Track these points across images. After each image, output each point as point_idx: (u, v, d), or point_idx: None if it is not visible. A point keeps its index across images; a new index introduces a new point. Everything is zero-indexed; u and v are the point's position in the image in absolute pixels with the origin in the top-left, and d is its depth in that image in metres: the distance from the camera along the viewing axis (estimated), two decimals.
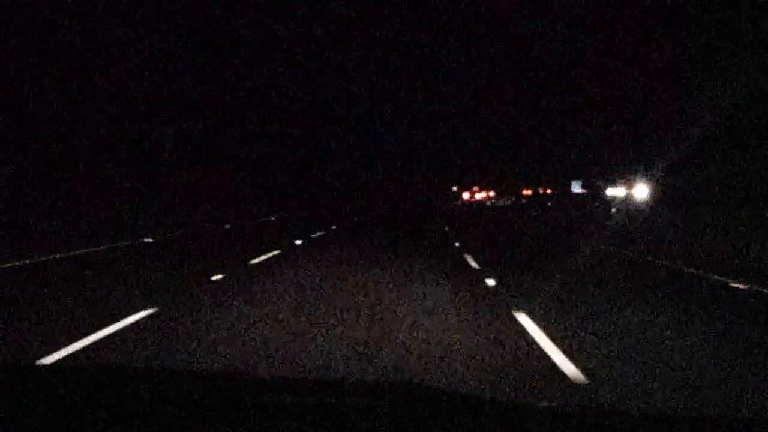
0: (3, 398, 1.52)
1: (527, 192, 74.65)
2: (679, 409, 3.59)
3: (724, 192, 21.91)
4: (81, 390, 1.59)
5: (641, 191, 33.76)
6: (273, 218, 32.79)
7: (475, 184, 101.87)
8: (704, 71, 25.59)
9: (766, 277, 10.23)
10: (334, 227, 24.79)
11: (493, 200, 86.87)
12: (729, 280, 9.97)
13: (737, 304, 8.22)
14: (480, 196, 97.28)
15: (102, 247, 13.15)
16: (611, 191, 44.48)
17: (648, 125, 32.85)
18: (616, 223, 24.99)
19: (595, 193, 50.59)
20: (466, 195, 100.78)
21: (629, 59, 31.97)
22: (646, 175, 33.42)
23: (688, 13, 27.02)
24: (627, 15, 32.42)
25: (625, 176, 38.30)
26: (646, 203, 31.42)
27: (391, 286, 8.45)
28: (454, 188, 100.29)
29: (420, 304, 6.99)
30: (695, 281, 10.24)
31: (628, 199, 35.58)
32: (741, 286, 9.46)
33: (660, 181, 31.46)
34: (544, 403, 3.06)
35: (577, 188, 59.27)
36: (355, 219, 35.41)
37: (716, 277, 10.41)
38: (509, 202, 73.70)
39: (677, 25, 27.91)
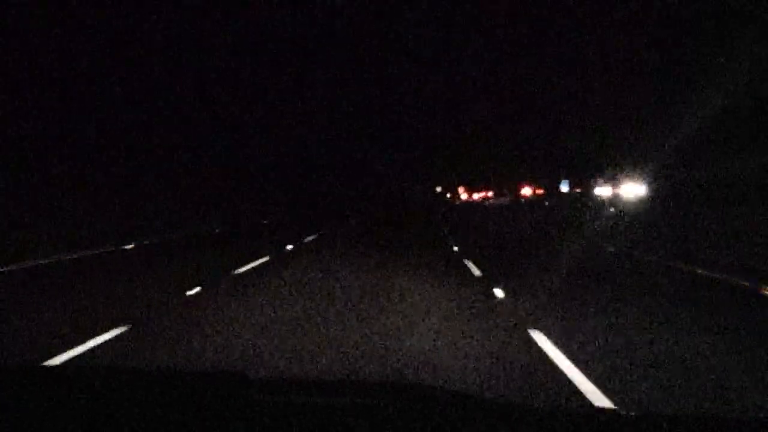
0: (4, 399, 1.55)
1: (525, 193, 78.54)
2: (668, 401, 3.68)
3: (720, 190, 21.41)
4: (81, 391, 1.62)
5: (629, 190, 35.67)
6: (288, 217, 38.36)
7: (460, 185, 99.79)
8: (699, 70, 25.65)
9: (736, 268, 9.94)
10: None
11: (491, 200, 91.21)
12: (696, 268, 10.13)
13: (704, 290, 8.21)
14: (477, 196, 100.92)
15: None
16: (598, 190, 48.64)
17: (638, 124, 33.77)
18: (606, 219, 25.20)
19: (584, 192, 54.54)
20: (464, 196, 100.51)
21: (621, 57, 32.69)
22: (634, 175, 34.95)
23: (682, 10, 26.86)
24: (619, 13, 32.72)
25: (613, 176, 40.42)
26: (635, 202, 32.40)
27: None
28: (438, 189, 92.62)
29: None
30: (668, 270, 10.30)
31: (615, 198, 37.41)
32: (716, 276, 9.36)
33: (650, 179, 32.37)
34: (544, 403, 3.34)
35: (565, 188, 64.16)
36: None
37: (682, 265, 10.52)
38: (507, 201, 77.97)
39: (671, 24, 27.98)
